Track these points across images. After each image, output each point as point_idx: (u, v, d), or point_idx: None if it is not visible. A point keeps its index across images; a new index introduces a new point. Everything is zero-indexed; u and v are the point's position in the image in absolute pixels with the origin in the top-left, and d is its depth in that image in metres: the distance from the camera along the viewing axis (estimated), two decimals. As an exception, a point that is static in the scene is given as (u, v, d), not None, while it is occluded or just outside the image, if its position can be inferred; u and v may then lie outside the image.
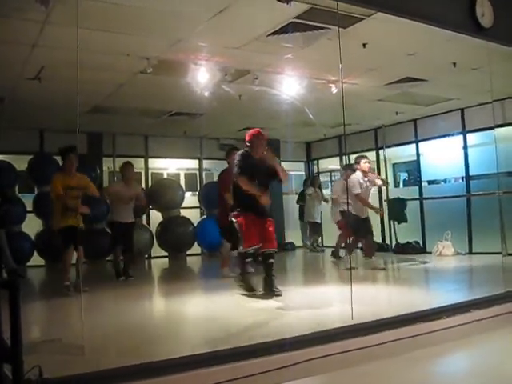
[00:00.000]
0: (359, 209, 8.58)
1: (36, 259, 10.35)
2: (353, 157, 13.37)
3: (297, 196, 13.22)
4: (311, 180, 12.80)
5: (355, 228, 8.68)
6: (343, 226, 9.50)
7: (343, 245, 9.82)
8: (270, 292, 6.19)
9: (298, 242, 13.34)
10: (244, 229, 6.25)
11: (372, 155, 12.82)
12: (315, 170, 14.98)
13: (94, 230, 10.47)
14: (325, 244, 13.25)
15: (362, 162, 8.70)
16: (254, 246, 6.26)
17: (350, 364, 3.87)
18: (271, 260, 6.31)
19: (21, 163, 10.59)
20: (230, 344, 3.77)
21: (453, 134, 11.00)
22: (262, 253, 6.37)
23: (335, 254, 9.78)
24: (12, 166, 10.38)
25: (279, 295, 6.13)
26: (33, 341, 3.94)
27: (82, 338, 3.87)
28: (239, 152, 6.57)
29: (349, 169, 9.42)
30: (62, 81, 6.83)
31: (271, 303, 5.81)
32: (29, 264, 10.16)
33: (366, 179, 8.62)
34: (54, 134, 10.68)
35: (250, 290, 6.34)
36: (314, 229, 12.61)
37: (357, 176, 8.64)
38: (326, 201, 11.81)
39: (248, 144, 6.47)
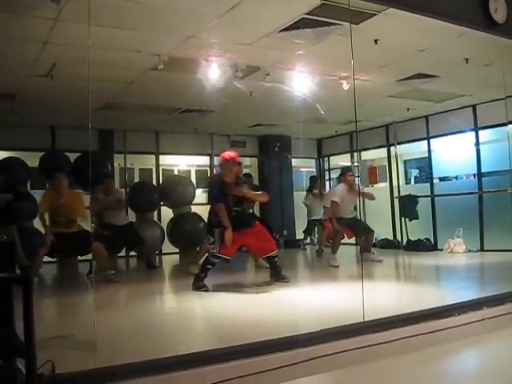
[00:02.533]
0: (342, 212, 8.95)
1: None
2: (364, 153, 13.45)
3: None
4: (312, 182, 12.40)
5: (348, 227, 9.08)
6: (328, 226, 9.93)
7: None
8: (279, 279, 6.92)
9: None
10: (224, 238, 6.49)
11: (383, 152, 12.83)
12: (326, 167, 14.94)
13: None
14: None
15: (348, 175, 9.13)
16: (225, 256, 6.58)
17: (360, 361, 3.86)
18: (276, 259, 7.05)
19: (32, 160, 10.64)
20: (237, 341, 3.76)
21: (465, 131, 10.94)
22: (266, 258, 7.12)
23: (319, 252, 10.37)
24: (24, 163, 10.42)
25: (288, 281, 6.88)
26: (45, 336, 3.96)
27: (95, 334, 3.89)
28: (211, 180, 6.85)
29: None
30: (73, 78, 6.88)
31: (278, 300, 5.83)
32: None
33: (348, 194, 9.00)
34: (65, 130, 10.72)
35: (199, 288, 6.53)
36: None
37: (340, 188, 9.16)
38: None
39: (219, 168, 6.94)
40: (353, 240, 10.33)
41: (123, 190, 11.64)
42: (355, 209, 9.36)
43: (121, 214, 9.08)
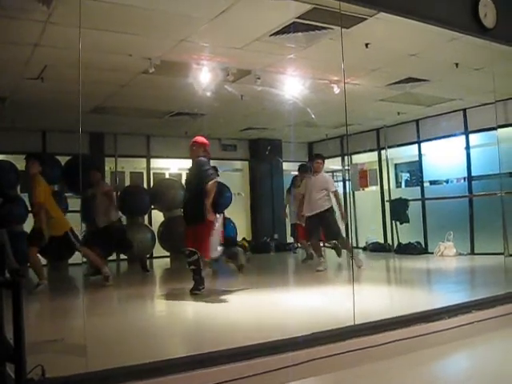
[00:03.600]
0: (306, 208, 8.81)
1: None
2: (354, 157, 13.47)
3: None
4: (293, 180, 12.28)
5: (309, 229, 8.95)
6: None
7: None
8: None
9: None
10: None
11: (374, 155, 12.86)
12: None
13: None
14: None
15: (315, 161, 9.00)
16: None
17: (351, 364, 3.87)
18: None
19: (22, 163, 10.57)
20: (228, 344, 3.76)
21: (455, 135, 10.99)
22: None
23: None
24: (14, 166, 10.37)
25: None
26: (35, 340, 3.94)
27: (85, 338, 3.87)
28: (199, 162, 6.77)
29: (302, 169, 10.04)
30: (64, 81, 6.85)
31: (271, 303, 5.82)
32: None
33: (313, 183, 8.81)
34: (55, 134, 10.69)
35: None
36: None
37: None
38: None
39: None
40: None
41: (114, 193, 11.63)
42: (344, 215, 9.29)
43: (108, 212, 8.70)
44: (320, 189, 8.71)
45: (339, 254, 9.92)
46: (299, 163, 14.59)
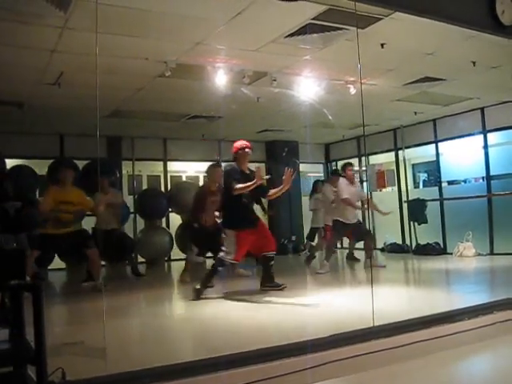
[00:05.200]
0: (348, 214, 8.81)
1: (57, 262, 10.43)
2: (372, 158, 13.41)
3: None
4: (313, 185, 12.51)
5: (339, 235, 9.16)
6: (330, 231, 9.75)
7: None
8: (272, 286, 6.66)
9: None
10: (237, 242, 6.43)
11: (391, 156, 12.80)
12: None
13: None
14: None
15: (348, 169, 9.07)
16: (234, 260, 6.57)
17: (372, 366, 3.84)
18: (272, 262, 6.77)
19: (41, 167, 10.70)
20: (246, 347, 3.75)
21: (473, 134, 10.90)
22: (263, 256, 6.80)
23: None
24: (33, 171, 10.49)
25: (283, 289, 6.62)
26: (56, 343, 3.97)
27: (104, 341, 3.89)
28: (227, 168, 6.71)
29: (335, 175, 9.84)
30: (81, 86, 6.92)
31: (290, 305, 5.81)
32: (50, 267, 10.24)
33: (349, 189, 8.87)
34: (73, 138, 10.79)
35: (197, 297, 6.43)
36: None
37: (343, 181, 8.94)
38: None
39: (235, 157, 6.70)
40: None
41: (131, 196, 11.69)
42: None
43: (110, 217, 8.72)
44: (357, 198, 9.04)
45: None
46: (315, 165, 14.68)
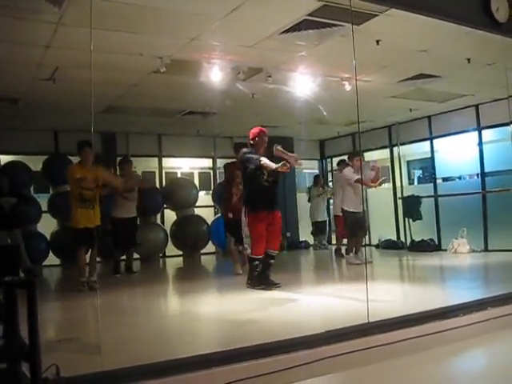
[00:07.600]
0: (357, 202, 8.90)
1: (51, 259, 10.42)
2: (366, 154, 13.41)
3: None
4: (314, 179, 12.74)
5: (353, 228, 9.07)
6: (340, 222, 9.91)
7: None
8: (268, 284, 6.52)
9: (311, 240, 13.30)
10: (253, 235, 6.49)
11: (386, 153, 12.80)
12: (329, 168, 14.93)
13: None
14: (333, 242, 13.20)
15: (355, 160, 9.08)
16: (259, 255, 6.53)
17: (365, 362, 3.85)
18: (272, 261, 6.66)
19: (36, 164, 10.67)
20: (243, 342, 3.76)
21: (468, 131, 10.91)
22: (265, 253, 6.63)
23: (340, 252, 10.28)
24: (27, 167, 10.46)
25: (279, 287, 6.49)
26: (50, 340, 3.97)
27: (99, 337, 3.89)
28: (246, 151, 6.69)
29: (342, 164, 10.09)
30: (75, 81, 6.89)
31: (285, 301, 5.82)
32: (44, 264, 10.23)
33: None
34: (68, 134, 10.75)
35: (259, 286, 6.49)
36: (318, 228, 12.58)
37: (350, 169, 9.07)
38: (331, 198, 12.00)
39: (252, 143, 6.72)
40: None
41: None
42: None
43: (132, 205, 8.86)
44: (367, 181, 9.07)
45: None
46: (310, 161, 14.68)
